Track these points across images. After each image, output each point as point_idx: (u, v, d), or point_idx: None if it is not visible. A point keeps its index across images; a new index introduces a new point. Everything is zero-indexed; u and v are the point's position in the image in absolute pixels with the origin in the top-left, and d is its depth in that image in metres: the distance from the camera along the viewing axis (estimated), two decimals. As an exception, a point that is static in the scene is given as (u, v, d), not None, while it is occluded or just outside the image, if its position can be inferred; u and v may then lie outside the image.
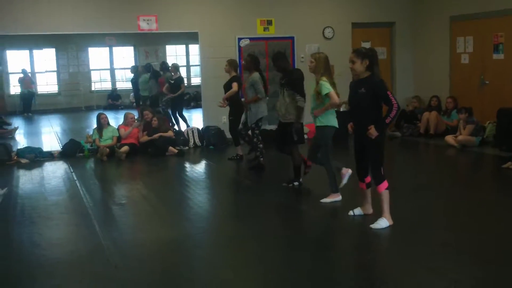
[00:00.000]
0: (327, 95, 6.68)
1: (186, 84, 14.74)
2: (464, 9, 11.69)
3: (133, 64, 18.11)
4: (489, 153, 10.07)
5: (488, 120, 10.82)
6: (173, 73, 13.44)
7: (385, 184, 5.94)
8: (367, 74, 5.86)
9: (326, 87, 6.69)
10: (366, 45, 12.17)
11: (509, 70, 10.83)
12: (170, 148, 10.69)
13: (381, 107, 5.87)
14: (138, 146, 10.89)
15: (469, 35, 11.78)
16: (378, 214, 6.07)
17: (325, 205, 6.92)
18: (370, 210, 6.34)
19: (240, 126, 9.67)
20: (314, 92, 6.80)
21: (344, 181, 7.11)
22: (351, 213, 6.39)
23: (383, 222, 5.93)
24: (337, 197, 7.03)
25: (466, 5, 11.64)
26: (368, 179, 6.19)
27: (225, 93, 9.60)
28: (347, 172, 7.12)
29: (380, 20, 12.91)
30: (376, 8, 12.78)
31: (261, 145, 8.95)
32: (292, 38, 12.20)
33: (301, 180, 7.83)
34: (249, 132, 9.26)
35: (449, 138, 10.79)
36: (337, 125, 6.95)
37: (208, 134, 11.62)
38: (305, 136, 11.77)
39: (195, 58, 18.46)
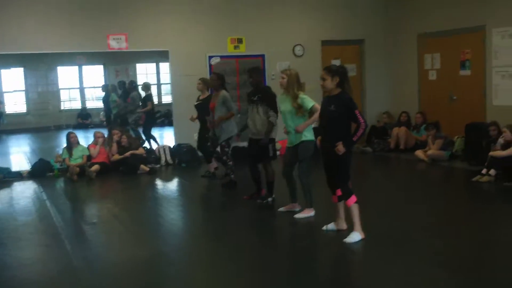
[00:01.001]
0: (313, 107, 6.73)
1: (156, 103, 14.70)
2: (431, 26, 11.90)
3: (103, 83, 17.99)
4: (459, 166, 10.21)
5: (456, 135, 10.98)
6: (144, 92, 13.39)
7: (353, 198, 6.01)
8: (337, 91, 5.94)
9: (309, 100, 6.79)
10: (336, 62, 12.30)
11: (476, 86, 11.03)
12: (142, 166, 10.63)
13: (350, 124, 5.95)
14: (109, 164, 10.78)
15: (436, 52, 12.00)
16: (351, 229, 6.10)
17: (299, 221, 6.93)
18: (343, 226, 6.35)
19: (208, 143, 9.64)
20: (293, 107, 6.83)
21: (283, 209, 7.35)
22: (324, 228, 6.41)
23: (356, 236, 5.97)
24: (311, 212, 7.06)
25: (433, 22, 11.85)
26: (339, 192, 6.22)
27: (198, 111, 9.62)
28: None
29: (349, 37, 13.06)
30: (345, 25, 12.93)
31: (230, 163, 8.93)
32: (262, 56, 12.27)
33: (274, 196, 7.83)
34: (217, 149, 9.24)
35: (419, 153, 10.92)
36: (314, 138, 6.98)
37: (180, 152, 11.57)
38: (278, 153, 11.87)
39: (165, 76, 18.40)
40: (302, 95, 6.83)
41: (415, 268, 5.19)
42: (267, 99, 7.56)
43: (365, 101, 13.29)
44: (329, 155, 6.06)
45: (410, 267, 5.20)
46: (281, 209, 7.37)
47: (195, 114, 9.85)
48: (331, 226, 6.41)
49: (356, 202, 6.02)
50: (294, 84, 6.87)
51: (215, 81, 8.89)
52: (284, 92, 7.01)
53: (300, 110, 6.80)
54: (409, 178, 10.12)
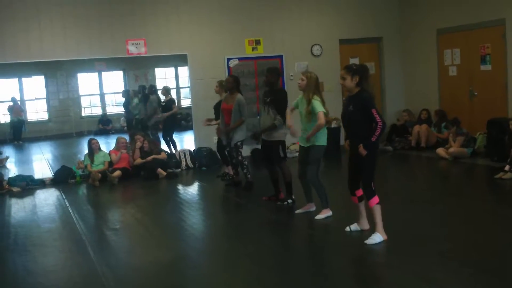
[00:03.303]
0: (317, 114, 6.73)
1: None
2: (450, 21, 11.78)
3: (123, 88, 18.11)
4: (481, 163, 10.10)
5: (478, 131, 10.87)
6: (164, 96, 13.43)
7: (375, 199, 5.97)
8: (357, 89, 5.90)
9: (318, 105, 6.77)
10: (355, 61, 12.26)
11: (497, 81, 10.90)
12: (159, 170, 10.62)
13: (370, 124, 5.91)
14: (130, 170, 10.84)
15: (456, 47, 11.87)
16: (374, 229, 6.07)
17: (319, 222, 6.91)
18: (366, 226, 6.32)
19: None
20: (305, 111, 6.84)
21: (301, 210, 7.33)
22: (347, 229, 6.38)
23: (377, 237, 5.93)
24: (328, 213, 7.05)
25: (452, 17, 11.74)
26: (359, 192, 6.19)
27: (215, 114, 9.68)
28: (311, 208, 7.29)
29: (367, 35, 12.99)
30: (363, 24, 12.87)
31: (246, 162, 8.97)
32: (280, 57, 12.25)
33: (293, 197, 7.83)
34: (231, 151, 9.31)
35: (441, 151, 10.82)
36: (326, 143, 7.01)
37: (200, 155, 11.60)
38: (297, 154, 11.84)
39: (184, 80, 18.48)
40: (315, 99, 6.80)
41: (437, 265, 5.14)
42: (277, 103, 7.59)
43: (385, 99, 13.21)
44: (353, 156, 6.05)
45: (432, 265, 5.15)
46: (298, 211, 7.36)
47: (212, 116, 9.93)
48: (354, 226, 6.38)
49: (378, 203, 5.98)
50: (311, 87, 6.86)
51: (231, 83, 8.93)
52: (303, 94, 7.00)
53: (309, 115, 6.81)
54: (430, 176, 10.04)
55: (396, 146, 12.18)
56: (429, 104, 12.37)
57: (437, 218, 6.89)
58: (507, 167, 8.67)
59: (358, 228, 6.35)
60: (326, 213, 7.04)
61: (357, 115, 5.89)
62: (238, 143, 8.84)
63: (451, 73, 12.06)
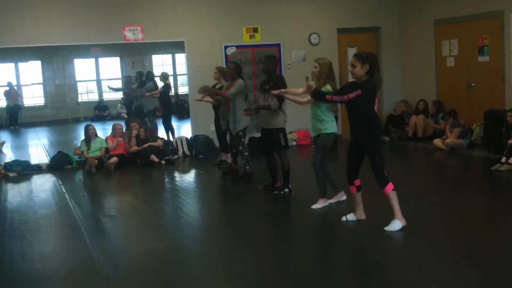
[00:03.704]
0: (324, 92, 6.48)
1: (172, 93, 14.70)
2: (448, 12, 11.76)
3: (120, 75, 18.06)
4: (478, 155, 10.12)
5: (475, 123, 10.89)
6: (162, 82, 13.39)
7: (390, 185, 5.95)
8: (365, 78, 5.87)
9: (328, 90, 6.57)
10: (352, 50, 12.24)
11: (494, 72, 10.90)
12: (152, 156, 10.58)
13: (373, 109, 5.91)
14: (127, 157, 10.83)
15: (453, 38, 11.86)
16: (370, 220, 6.08)
17: (316, 211, 6.92)
18: (362, 216, 6.33)
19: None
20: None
21: (332, 200, 7.16)
22: (343, 218, 6.38)
23: (396, 224, 5.93)
24: (325, 203, 7.05)
25: (450, 8, 11.71)
26: (357, 182, 6.19)
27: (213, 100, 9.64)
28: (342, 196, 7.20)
29: (366, 25, 12.96)
30: (361, 13, 12.83)
31: (246, 153, 8.91)
32: (278, 45, 12.21)
33: (290, 186, 7.82)
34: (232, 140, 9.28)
35: (437, 141, 10.84)
36: (335, 131, 6.99)
37: (197, 143, 11.59)
38: (294, 143, 11.86)
39: (182, 67, 18.42)
40: (326, 88, 6.63)
41: (435, 258, 5.15)
42: (276, 88, 7.50)
43: (382, 90, 13.14)
44: (357, 144, 6.05)
45: (429, 258, 5.16)
46: (330, 200, 7.12)
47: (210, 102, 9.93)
48: (350, 216, 6.38)
49: (393, 190, 5.96)
50: (323, 75, 6.76)
51: (233, 70, 8.89)
52: (315, 81, 6.87)
53: (316, 102, 6.72)
54: (427, 167, 10.06)
55: (393, 136, 12.19)
56: (426, 95, 12.37)
57: (436, 210, 6.90)
58: (503, 159, 8.69)
59: (354, 218, 6.35)
60: (323, 203, 7.04)
61: (358, 103, 5.82)
62: (240, 133, 8.81)
63: (448, 64, 12.05)
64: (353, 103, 5.86)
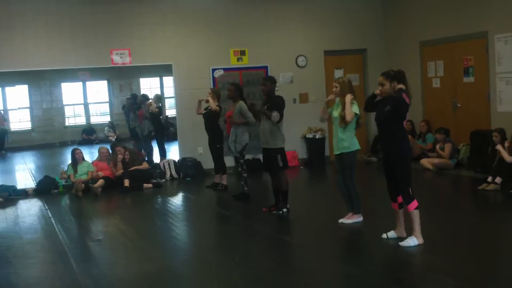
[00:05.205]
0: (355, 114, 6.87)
1: (162, 116, 14.68)
2: (434, 34, 11.87)
3: (107, 98, 18.03)
4: (465, 175, 10.17)
5: (462, 143, 10.95)
6: (155, 104, 13.38)
7: (414, 203, 5.98)
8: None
9: (355, 108, 6.93)
10: (339, 72, 12.34)
11: (480, 92, 10.99)
12: (125, 180, 10.48)
13: (403, 125, 6.03)
14: (114, 179, 10.75)
15: (439, 59, 11.96)
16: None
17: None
18: (403, 233, 6.27)
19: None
20: (339, 115, 6.92)
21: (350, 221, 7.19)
22: (384, 235, 6.35)
23: (412, 241, 5.96)
24: (359, 218, 7.14)
25: (435, 29, 11.83)
26: (400, 199, 6.18)
27: (206, 121, 9.70)
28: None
29: (352, 47, 13.04)
30: (348, 35, 12.92)
31: (245, 174, 8.94)
32: (265, 68, 12.27)
33: (288, 206, 7.84)
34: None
35: (425, 161, 10.88)
36: (358, 147, 7.16)
37: (185, 165, 11.56)
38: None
39: (169, 90, 18.42)
40: (354, 103, 6.92)
41: (424, 277, 5.14)
42: (277, 106, 7.68)
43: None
44: (387, 160, 6.10)
45: (414, 276, 5.15)
46: (342, 220, 7.18)
47: (201, 124, 10.00)
48: (391, 234, 6.34)
49: (417, 208, 5.97)
50: (346, 91, 7.00)
51: (233, 92, 8.97)
52: (339, 99, 7.08)
53: (343, 121, 6.87)
54: (415, 187, 10.02)
55: (381, 157, 12.18)
56: (413, 115, 12.39)
57: (425, 230, 6.87)
58: (490, 178, 8.73)
59: (395, 235, 6.30)
60: (356, 218, 7.14)
61: (392, 115, 5.98)
62: (237, 154, 8.86)
63: (434, 84, 12.14)
64: (388, 117, 5.93)
